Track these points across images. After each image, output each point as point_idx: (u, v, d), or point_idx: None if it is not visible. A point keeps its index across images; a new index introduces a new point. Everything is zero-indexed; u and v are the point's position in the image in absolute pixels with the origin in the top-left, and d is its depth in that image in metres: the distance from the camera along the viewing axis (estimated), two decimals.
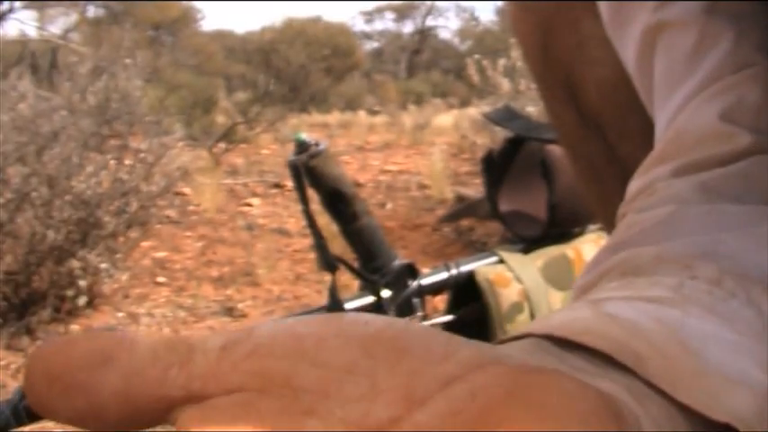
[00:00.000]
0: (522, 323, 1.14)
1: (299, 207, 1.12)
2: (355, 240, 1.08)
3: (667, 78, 0.40)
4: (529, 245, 1.26)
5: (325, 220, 1.40)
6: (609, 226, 0.84)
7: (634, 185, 0.35)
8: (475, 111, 5.98)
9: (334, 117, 10.12)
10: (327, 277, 1.06)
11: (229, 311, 1.89)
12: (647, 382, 0.19)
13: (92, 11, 14.32)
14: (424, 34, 26.10)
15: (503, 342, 0.22)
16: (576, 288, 0.29)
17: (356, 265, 1.09)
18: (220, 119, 5.68)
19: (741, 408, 0.20)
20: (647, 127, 0.70)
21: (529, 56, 0.75)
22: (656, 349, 0.20)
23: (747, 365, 0.21)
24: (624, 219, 0.32)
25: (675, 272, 0.24)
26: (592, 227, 1.31)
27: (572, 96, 0.71)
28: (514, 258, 1.20)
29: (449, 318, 1.17)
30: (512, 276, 1.16)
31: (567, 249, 1.25)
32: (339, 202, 1.05)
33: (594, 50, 0.68)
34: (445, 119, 7.59)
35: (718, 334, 0.22)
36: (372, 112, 11.55)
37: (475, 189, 3.40)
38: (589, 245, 1.27)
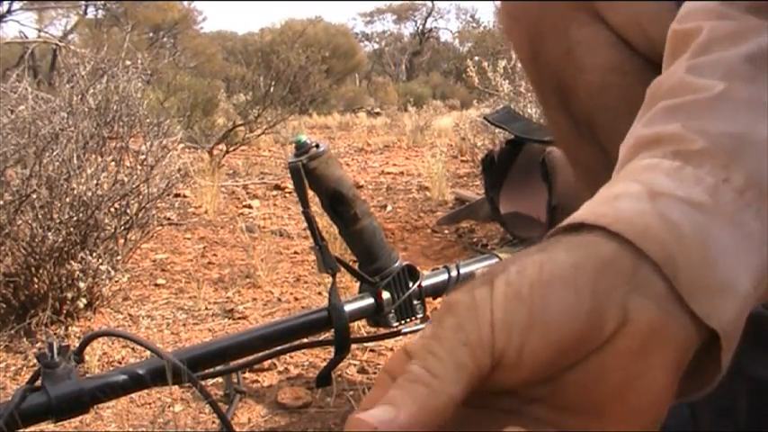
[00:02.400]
0: None
1: (299, 209, 1.12)
2: (355, 242, 1.07)
3: None
4: (529, 246, 1.25)
5: (325, 222, 1.40)
6: None
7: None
8: (475, 112, 5.99)
9: (334, 119, 10.13)
10: (328, 279, 1.06)
11: (229, 313, 1.89)
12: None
13: (91, 12, 14.33)
14: (425, 36, 26.09)
15: (563, 232, 0.30)
16: (637, 136, 0.35)
17: (356, 266, 1.09)
18: (220, 121, 5.69)
19: (727, 315, 0.28)
20: None
21: (523, 63, 0.75)
22: (689, 261, 0.27)
23: (741, 272, 0.29)
24: (678, 67, 0.38)
25: (715, 171, 0.31)
26: None
27: (564, 102, 0.71)
28: None
29: None
30: None
31: None
32: (339, 203, 1.05)
33: (583, 57, 0.68)
34: (445, 120, 7.60)
35: (728, 243, 0.29)
36: (372, 114, 11.55)
37: (475, 191, 3.40)
38: None
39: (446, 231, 2.74)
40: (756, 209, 0.30)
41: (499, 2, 0.74)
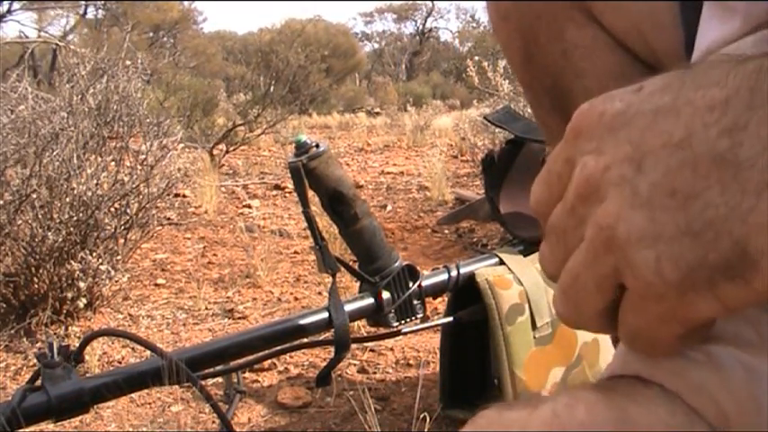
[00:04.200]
0: (522, 325, 1.14)
1: (299, 209, 1.12)
2: (355, 242, 1.07)
3: None
4: (529, 246, 1.25)
5: (325, 222, 1.40)
6: None
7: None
8: (475, 112, 5.99)
9: (334, 118, 10.13)
10: (328, 279, 1.06)
11: (229, 313, 1.89)
12: None
13: (91, 12, 14.32)
14: (425, 36, 26.09)
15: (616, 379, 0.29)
16: None
17: (356, 266, 1.09)
18: (220, 120, 5.68)
19: None
20: None
21: (513, 64, 0.74)
22: (741, 414, 0.28)
23: None
24: None
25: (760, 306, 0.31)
26: None
27: (559, 104, 0.70)
28: (515, 260, 1.20)
29: (449, 319, 1.17)
30: (512, 278, 1.16)
31: None
32: (339, 203, 1.04)
33: (581, 61, 0.66)
34: (445, 120, 7.60)
35: None
36: (372, 114, 11.55)
37: (475, 191, 3.40)
38: None
39: (446, 231, 2.74)
40: None
41: (488, 1, 0.72)
